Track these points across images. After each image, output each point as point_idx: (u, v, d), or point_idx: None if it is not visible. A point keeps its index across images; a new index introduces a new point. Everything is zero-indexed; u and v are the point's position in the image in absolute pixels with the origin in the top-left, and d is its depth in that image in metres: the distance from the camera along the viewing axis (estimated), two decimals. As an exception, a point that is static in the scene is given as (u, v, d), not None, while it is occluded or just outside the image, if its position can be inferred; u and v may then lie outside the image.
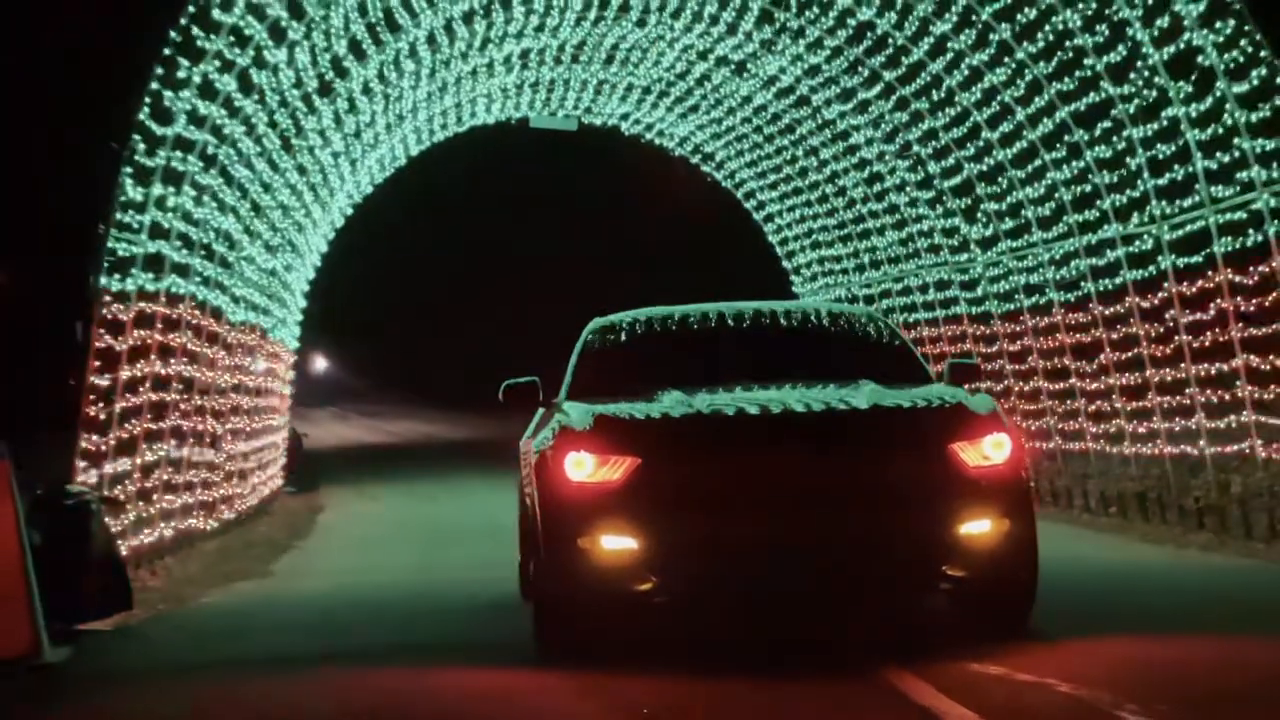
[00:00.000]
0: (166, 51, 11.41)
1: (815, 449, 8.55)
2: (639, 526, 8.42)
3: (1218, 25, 11.88)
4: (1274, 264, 12.06)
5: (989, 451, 8.58)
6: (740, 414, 8.68)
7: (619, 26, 18.64)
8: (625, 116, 22.80)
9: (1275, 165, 11.85)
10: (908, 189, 18.79)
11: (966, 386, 9.43)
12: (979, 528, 8.49)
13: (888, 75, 16.97)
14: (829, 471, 8.49)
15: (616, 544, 8.45)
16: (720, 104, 21.08)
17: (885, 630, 9.23)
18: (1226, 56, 11.92)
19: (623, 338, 10.23)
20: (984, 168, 16.69)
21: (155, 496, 13.65)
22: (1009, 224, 16.77)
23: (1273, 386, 12.42)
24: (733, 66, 19.47)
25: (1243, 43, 11.71)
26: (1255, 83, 11.77)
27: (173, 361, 13.51)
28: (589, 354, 10.06)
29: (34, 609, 9.41)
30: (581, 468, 8.55)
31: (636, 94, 21.67)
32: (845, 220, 21.16)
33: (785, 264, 23.59)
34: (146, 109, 11.44)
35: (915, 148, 17.88)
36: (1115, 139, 13.99)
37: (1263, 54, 11.57)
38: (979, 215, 17.31)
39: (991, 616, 8.84)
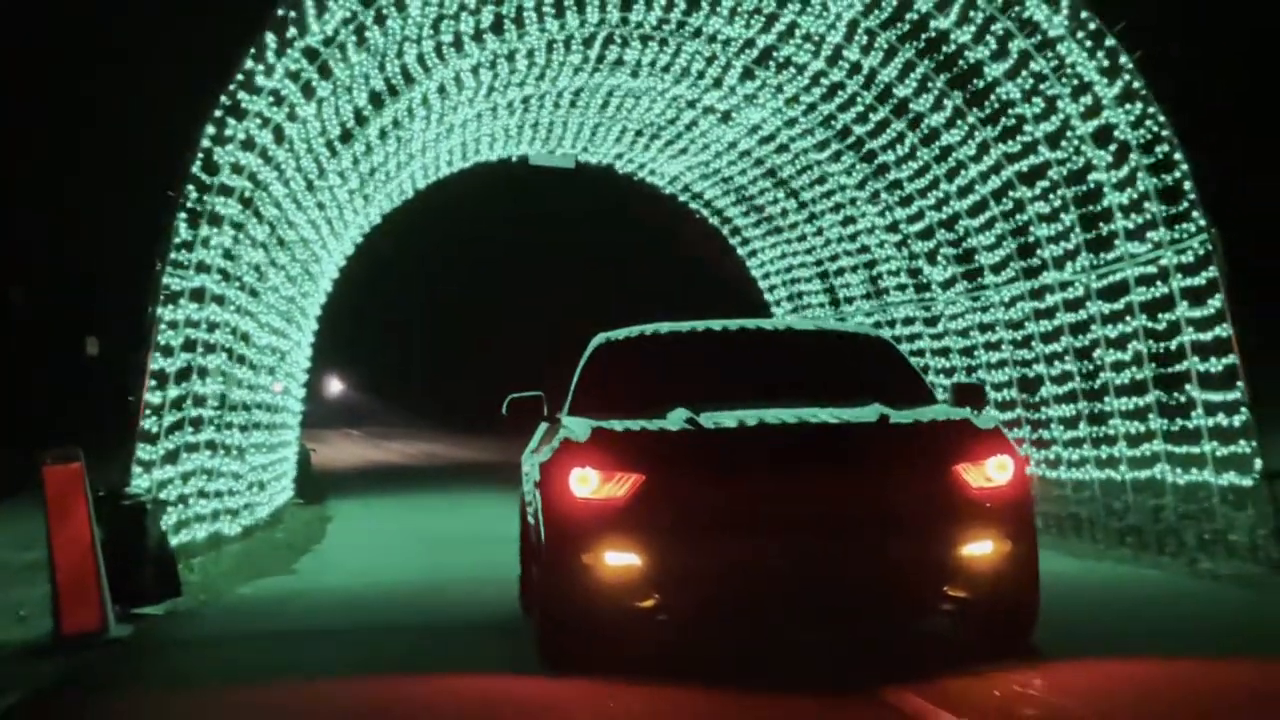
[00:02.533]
0: (217, 113, 13.50)
1: (821, 468, 8.67)
2: (643, 543, 8.51)
3: (1128, 106, 13.94)
4: (1177, 313, 14.07)
5: (992, 473, 8.71)
6: (746, 432, 8.81)
7: (614, 77, 20.55)
8: (619, 156, 24.73)
9: (1176, 228, 13.87)
10: (877, 232, 20.78)
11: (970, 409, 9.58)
12: (981, 549, 8.63)
13: (858, 130, 18.94)
14: (834, 491, 8.59)
15: (620, 560, 8.54)
16: (707, 148, 23.02)
17: (884, 648, 9.57)
18: (1137, 132, 13.96)
19: (628, 353, 10.38)
20: (943, 216, 18.65)
21: (190, 501, 15.64)
22: (965, 267, 18.76)
23: (1178, 419, 14.40)
24: (719, 115, 21.41)
25: (1148, 122, 13.77)
26: (1160, 156, 13.82)
27: (209, 381, 15.54)
28: (593, 369, 10.23)
29: (103, 593, 11.23)
30: (586, 483, 8.63)
31: (630, 136, 23.58)
32: (822, 258, 23.14)
33: (767, 296, 25.57)
34: (199, 162, 13.52)
35: (883, 195, 19.87)
36: (1052, 196, 15.97)
37: (1164, 133, 13.63)
38: (939, 258, 19.30)
39: (994, 638, 9.01)
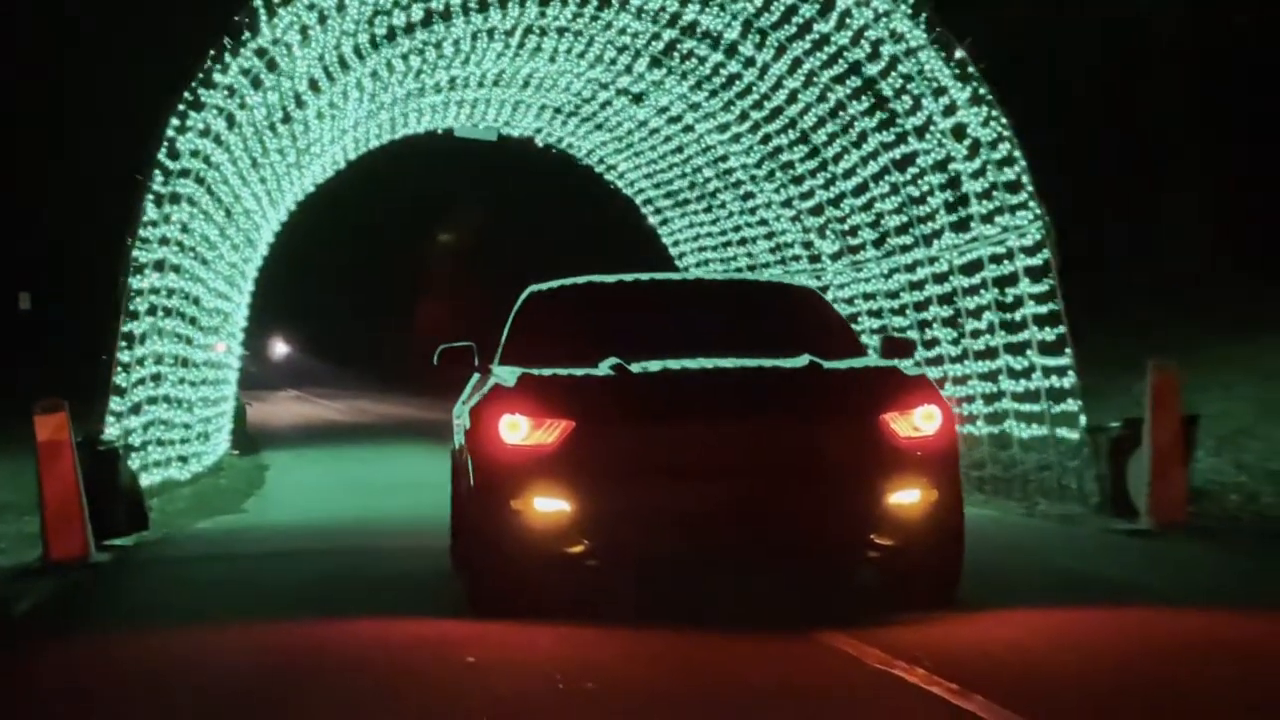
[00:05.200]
0: (181, 107, 15.66)
1: (749, 415, 8.76)
2: (572, 490, 8.60)
3: (976, 109, 16.28)
4: (1020, 288, 16.44)
5: (920, 422, 8.83)
6: (674, 378, 8.93)
7: (533, 62, 22.58)
8: (539, 130, 26.78)
9: (1018, 214, 16.23)
10: (774, 207, 23.06)
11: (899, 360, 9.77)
12: (908, 498, 8.74)
13: (754, 115, 21.19)
14: (761, 438, 8.70)
15: (549, 507, 8.63)
16: (621, 125, 25.14)
17: (811, 595, 9.90)
18: (985, 130, 16.30)
19: (558, 305, 10.46)
20: (831, 195, 20.91)
21: (149, 449, 17.76)
22: (851, 242, 21.08)
23: (1023, 381, 16.78)
24: (630, 97, 23.52)
25: (992, 124, 16.12)
26: (1003, 152, 16.17)
27: (167, 341, 17.68)
28: (524, 320, 10.33)
29: (86, 525, 13.10)
30: (516, 430, 8.72)
31: (549, 113, 25.64)
32: (726, 229, 25.38)
33: (677, 264, 27.80)
34: (164, 149, 15.68)
35: (778, 174, 22.14)
36: (921, 182, 18.29)
37: (1005, 133, 16.00)
38: (828, 233, 21.61)
39: (920, 585, 9.12)
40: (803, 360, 9.16)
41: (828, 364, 9.18)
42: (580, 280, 10.71)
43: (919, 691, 7.04)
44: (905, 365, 9.62)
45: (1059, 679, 7.35)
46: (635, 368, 9.03)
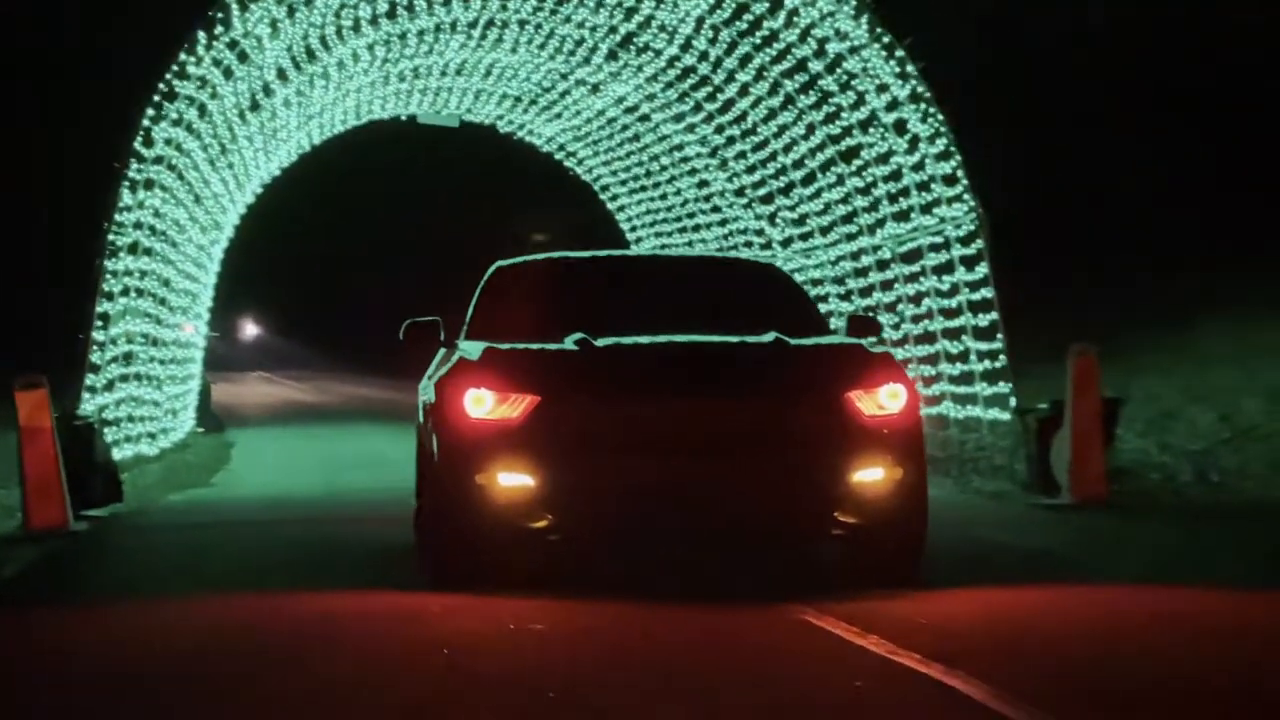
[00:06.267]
0: (156, 98, 16.45)
1: (714, 391, 8.77)
2: (536, 464, 8.59)
3: (915, 106, 17.18)
4: (956, 276, 17.35)
5: (885, 401, 8.84)
6: (640, 353, 8.94)
7: (495, 52, 23.36)
8: (500, 118, 27.57)
9: (953, 206, 17.15)
10: (726, 195, 23.91)
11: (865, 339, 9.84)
12: (872, 476, 8.76)
13: (708, 106, 22.04)
14: (725, 415, 8.72)
15: (513, 481, 8.63)
16: (579, 114, 25.97)
17: (776, 572, 9.97)
18: (924, 126, 17.20)
19: (524, 280, 10.47)
20: (781, 184, 21.80)
21: (121, 424, 18.54)
22: (800, 229, 21.96)
23: (959, 364, 17.70)
24: (589, 87, 24.36)
25: (929, 120, 17.03)
26: (941, 146, 17.08)
27: (139, 321, 18.46)
28: (490, 296, 10.31)
29: (64, 496, 13.68)
30: (481, 404, 8.72)
31: (510, 101, 26.40)
32: (681, 215, 26.24)
33: (634, 248, 28.63)
34: (140, 139, 16.47)
35: (730, 164, 22.99)
36: (865, 174, 19.18)
37: (943, 129, 16.91)
38: (778, 221, 22.48)
39: (883, 563, 9.17)
40: (768, 337, 9.21)
41: (793, 341, 9.23)
42: (546, 256, 10.77)
43: (876, 657, 7.21)
44: (870, 344, 9.73)
45: (994, 644, 7.60)
46: (600, 342, 9.04)
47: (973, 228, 16.90)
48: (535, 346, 9.13)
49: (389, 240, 77.47)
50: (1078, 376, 14.19)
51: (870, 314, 17.21)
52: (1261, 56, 28.96)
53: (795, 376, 8.97)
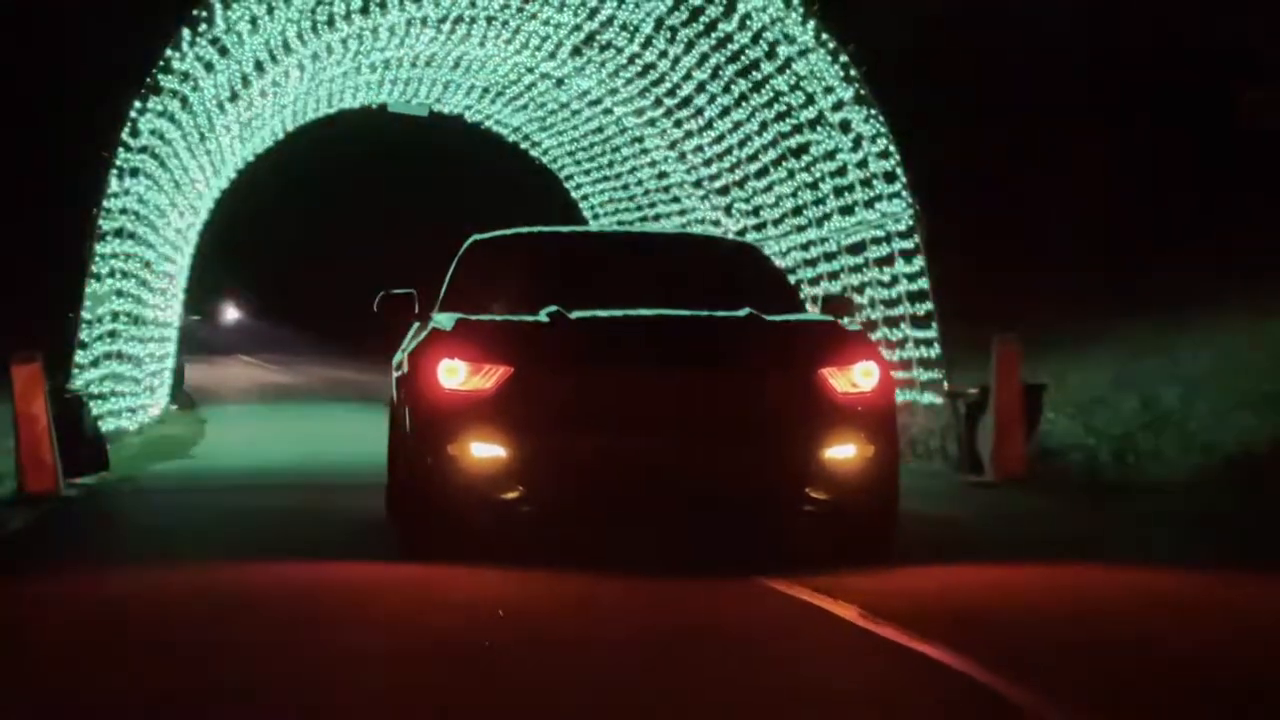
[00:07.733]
0: (143, 90, 17.62)
1: (687, 364, 8.78)
2: (508, 436, 8.60)
3: (858, 107, 18.41)
4: (896, 268, 18.60)
5: (858, 378, 8.86)
6: (613, 326, 8.97)
7: (463, 46, 24.45)
8: (469, 108, 28.62)
9: (893, 201, 18.40)
10: (685, 186, 25.09)
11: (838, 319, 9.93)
12: (844, 453, 8.78)
13: (667, 102, 23.20)
14: (698, 389, 8.74)
15: (485, 452, 8.64)
16: (544, 105, 27.07)
17: (747, 546, 10.02)
18: (866, 126, 18.43)
19: (500, 254, 10.48)
20: (736, 177, 22.99)
21: (105, 400, 19.66)
22: (754, 220, 23.15)
23: (898, 351, 18.95)
24: (554, 80, 25.50)
25: (870, 121, 18.27)
26: (880, 146, 18.32)
27: (124, 301, 19.61)
28: (465, 269, 10.30)
29: (56, 463, 14.72)
30: (454, 375, 8.73)
31: (477, 92, 27.48)
32: (642, 204, 27.41)
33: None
34: (127, 129, 17.64)
35: (688, 156, 24.17)
36: (814, 170, 20.39)
37: (883, 129, 18.16)
38: (733, 212, 23.68)
39: (855, 539, 9.20)
40: (743, 312, 9.26)
41: (769, 319, 9.28)
42: (523, 230, 10.81)
43: (848, 625, 7.42)
44: (845, 323, 9.82)
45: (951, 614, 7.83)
46: (574, 315, 9.06)
47: (911, 223, 18.13)
48: (509, 318, 9.22)
49: (369, 224, 78.41)
50: (1000, 364, 15.39)
51: (844, 294, 17.93)
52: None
53: (769, 352, 9.04)
